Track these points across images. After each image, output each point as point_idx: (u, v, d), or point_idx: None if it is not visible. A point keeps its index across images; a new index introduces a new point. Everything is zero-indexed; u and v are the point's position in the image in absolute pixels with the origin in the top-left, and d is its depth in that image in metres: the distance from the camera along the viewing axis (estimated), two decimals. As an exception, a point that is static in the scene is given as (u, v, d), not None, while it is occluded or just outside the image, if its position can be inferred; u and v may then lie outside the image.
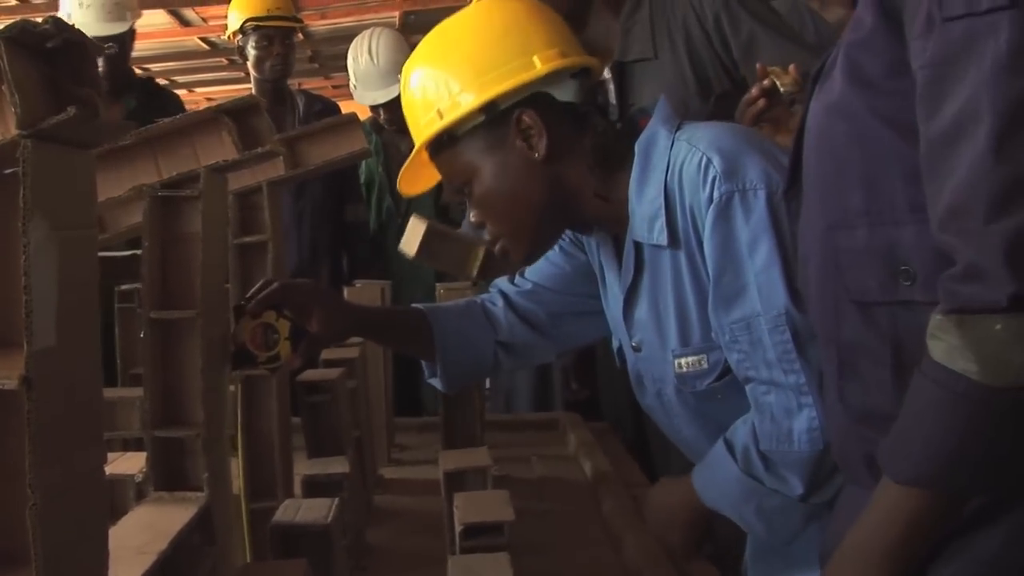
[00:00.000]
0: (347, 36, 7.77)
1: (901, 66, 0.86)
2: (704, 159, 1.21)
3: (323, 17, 7.09)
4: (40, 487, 0.76)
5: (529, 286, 1.56)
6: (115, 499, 1.51)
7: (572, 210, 1.35)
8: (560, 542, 1.80)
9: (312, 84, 9.22)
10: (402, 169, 1.45)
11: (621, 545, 1.71)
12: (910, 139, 0.86)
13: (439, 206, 3.30)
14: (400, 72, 3.07)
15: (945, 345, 0.79)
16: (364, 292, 2.31)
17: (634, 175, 1.29)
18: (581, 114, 1.31)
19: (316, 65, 9.20)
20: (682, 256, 1.27)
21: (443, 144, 1.33)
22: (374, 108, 3.53)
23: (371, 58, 3.36)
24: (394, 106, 3.20)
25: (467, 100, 1.26)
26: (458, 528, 1.44)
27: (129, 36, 3.23)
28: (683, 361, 1.32)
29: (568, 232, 1.54)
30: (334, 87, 10.20)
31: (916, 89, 0.84)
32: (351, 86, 3.59)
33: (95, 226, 0.91)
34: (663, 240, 1.27)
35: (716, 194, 1.19)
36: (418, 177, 1.45)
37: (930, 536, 0.84)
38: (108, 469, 1.71)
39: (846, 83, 0.93)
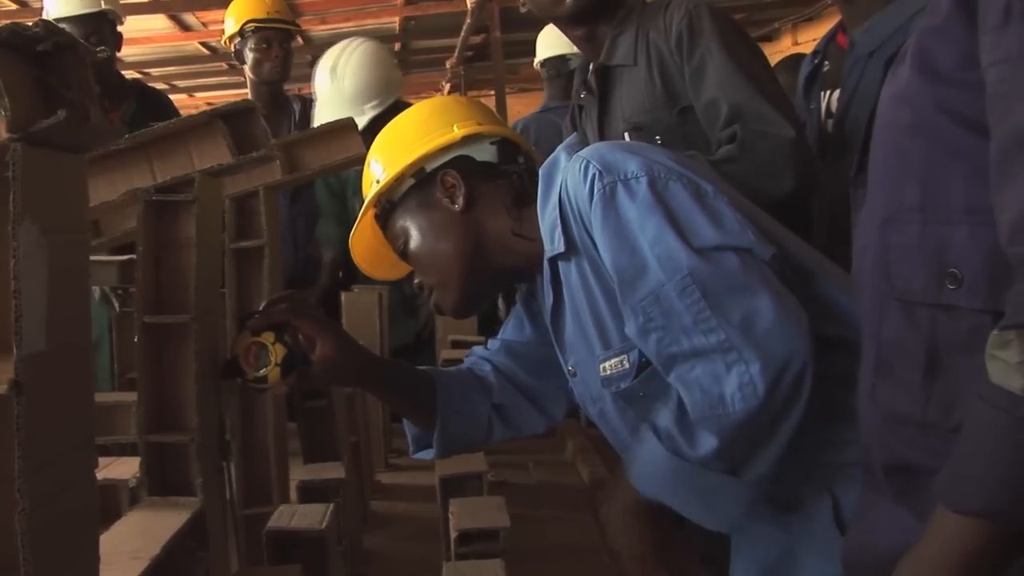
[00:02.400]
0: (347, 41, 7.79)
1: (974, 58, 0.82)
2: (584, 162, 1.27)
3: (323, 22, 7.09)
4: (30, 492, 0.75)
5: (499, 344, 1.59)
6: (109, 504, 1.50)
7: (497, 255, 1.42)
8: (556, 549, 1.79)
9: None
10: (351, 234, 1.52)
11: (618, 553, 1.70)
12: (978, 136, 0.82)
13: None
14: (370, 98, 2.92)
15: (1002, 364, 0.75)
16: (361, 297, 2.31)
17: (539, 198, 1.37)
18: (500, 171, 1.43)
19: (316, 70, 9.22)
20: (584, 262, 1.31)
21: (386, 212, 1.45)
22: None
23: (333, 78, 2.92)
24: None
25: (398, 164, 1.41)
26: (453, 534, 1.44)
27: (112, 36, 3.22)
28: (606, 364, 1.33)
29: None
30: (334, 92, 10.20)
31: (987, 86, 0.79)
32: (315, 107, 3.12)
33: (87, 230, 0.90)
34: (561, 246, 1.31)
35: (598, 187, 1.23)
36: (381, 259, 1.55)
37: (988, 572, 0.78)
38: (102, 474, 1.71)
39: (913, 71, 0.89)
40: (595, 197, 1.23)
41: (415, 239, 1.42)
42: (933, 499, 0.81)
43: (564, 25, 2.02)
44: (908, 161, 0.90)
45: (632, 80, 1.91)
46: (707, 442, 1.16)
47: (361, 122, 2.67)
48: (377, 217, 1.48)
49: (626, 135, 1.89)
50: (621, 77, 1.93)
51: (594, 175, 1.23)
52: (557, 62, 3.66)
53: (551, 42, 3.63)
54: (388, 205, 1.44)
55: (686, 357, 1.17)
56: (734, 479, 1.18)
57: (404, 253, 1.45)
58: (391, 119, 1.52)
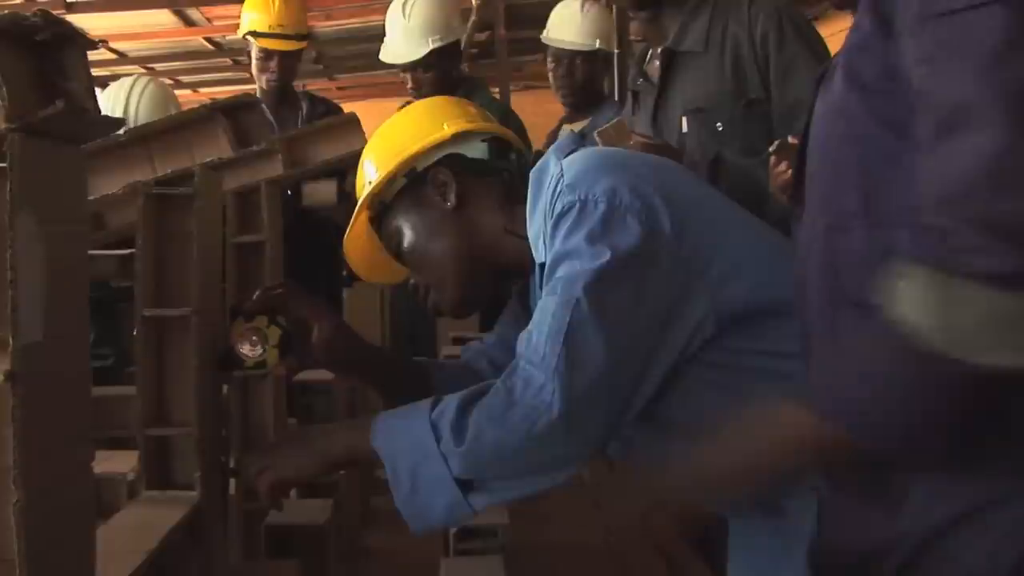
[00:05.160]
0: (353, 38, 7.77)
1: (896, 69, 0.87)
2: (560, 172, 1.27)
3: (328, 18, 7.08)
4: (25, 484, 0.75)
5: (494, 339, 1.58)
6: (107, 498, 1.50)
7: (489, 252, 1.41)
8: (556, 546, 1.79)
9: (316, 85, 9.19)
10: (345, 238, 1.51)
11: (619, 550, 1.70)
12: (909, 141, 0.85)
13: None
14: (432, 33, 3.12)
15: (904, 294, 0.79)
16: (363, 293, 2.30)
17: (528, 202, 1.36)
18: (492, 168, 1.43)
19: (321, 66, 9.20)
20: None
21: (380, 214, 1.45)
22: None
23: (403, 15, 3.18)
24: (417, 71, 3.15)
25: (389, 164, 1.41)
26: (452, 531, 1.43)
27: None
28: None
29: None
30: (339, 89, 10.19)
31: (913, 81, 0.84)
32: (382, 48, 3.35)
33: (86, 221, 0.90)
34: (542, 256, 1.30)
35: (559, 204, 1.23)
36: (377, 263, 1.54)
37: (809, 470, 0.89)
38: (100, 467, 1.71)
39: (844, 85, 0.94)
40: (555, 211, 1.23)
41: (408, 238, 1.42)
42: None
43: (632, 7, 2.02)
44: (845, 169, 0.94)
45: (699, 67, 1.92)
46: (469, 432, 1.16)
47: (412, 55, 3.16)
48: (371, 220, 1.47)
49: (684, 120, 1.90)
50: (686, 63, 1.94)
51: (560, 191, 1.24)
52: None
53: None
54: (381, 206, 1.44)
55: (528, 360, 1.17)
56: (457, 489, 1.17)
57: (398, 253, 1.45)
58: None
